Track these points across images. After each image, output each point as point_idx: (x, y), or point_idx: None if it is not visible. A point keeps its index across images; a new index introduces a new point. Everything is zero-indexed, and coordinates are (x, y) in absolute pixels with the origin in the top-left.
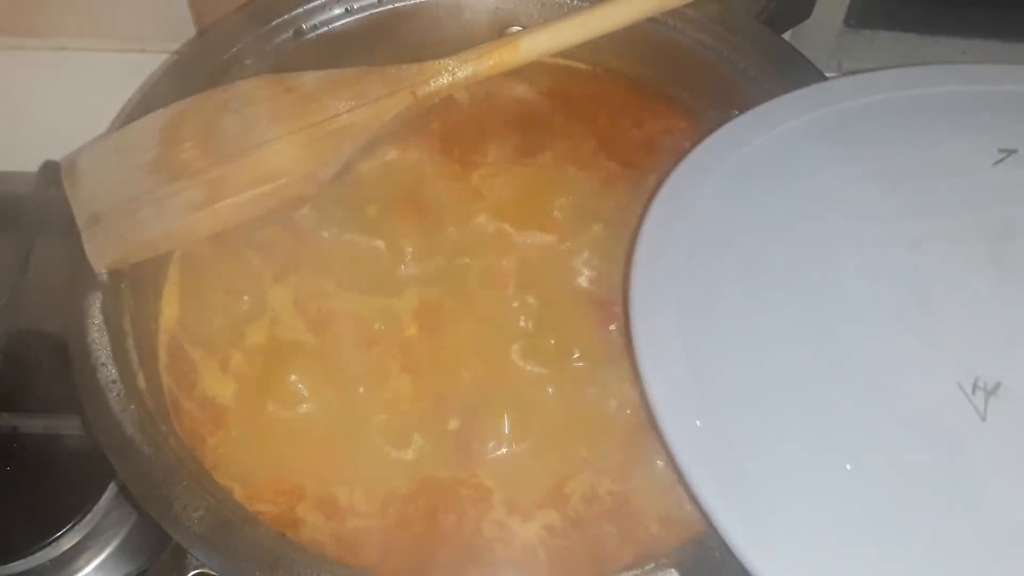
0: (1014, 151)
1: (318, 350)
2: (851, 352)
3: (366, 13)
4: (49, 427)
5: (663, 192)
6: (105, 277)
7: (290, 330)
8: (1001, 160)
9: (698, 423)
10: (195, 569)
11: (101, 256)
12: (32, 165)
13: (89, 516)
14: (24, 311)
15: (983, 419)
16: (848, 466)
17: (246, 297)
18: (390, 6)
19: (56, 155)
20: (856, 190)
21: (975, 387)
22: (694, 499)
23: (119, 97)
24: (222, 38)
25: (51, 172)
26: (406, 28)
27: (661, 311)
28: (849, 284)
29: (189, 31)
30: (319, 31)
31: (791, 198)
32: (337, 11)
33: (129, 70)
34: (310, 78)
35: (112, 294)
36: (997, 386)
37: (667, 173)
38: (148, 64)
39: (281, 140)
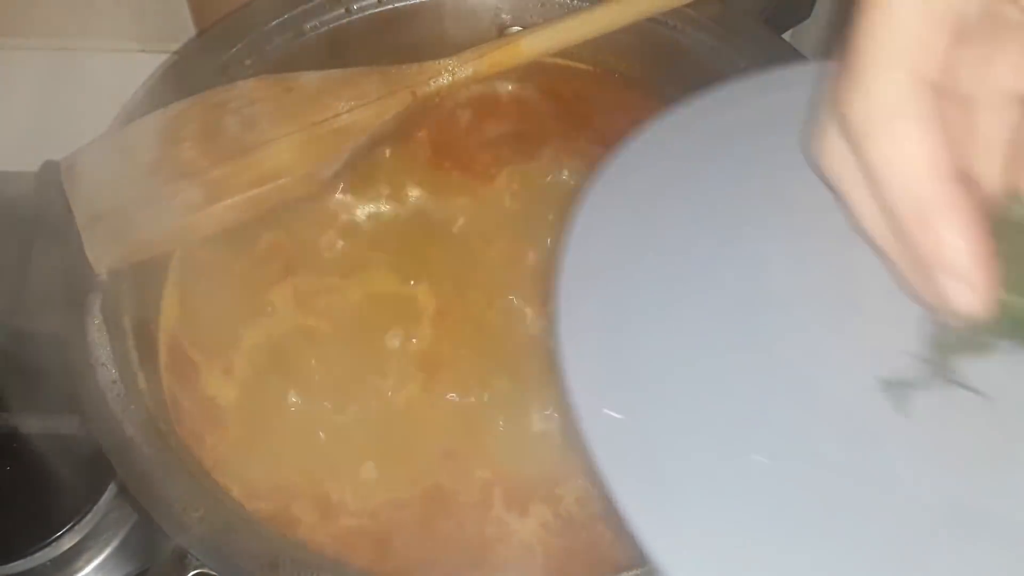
0: None
1: (320, 349)
2: (774, 346)
3: (366, 13)
4: (49, 427)
5: (600, 176)
6: (105, 277)
7: (292, 330)
8: None
9: (615, 415)
10: (195, 569)
11: (101, 256)
12: (32, 165)
13: (89, 516)
14: (24, 311)
15: (902, 413)
16: (764, 461)
17: (247, 297)
18: (390, 6)
19: (56, 155)
20: (795, 179)
21: (896, 381)
22: (606, 494)
23: (119, 97)
24: (222, 38)
25: (51, 172)
26: (406, 28)
27: (587, 300)
28: (778, 276)
29: (189, 31)
30: (319, 31)
31: (729, 187)
32: (337, 11)
33: (129, 70)
34: (310, 78)
35: (112, 294)
36: (919, 380)
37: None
38: (148, 64)
39: (281, 140)
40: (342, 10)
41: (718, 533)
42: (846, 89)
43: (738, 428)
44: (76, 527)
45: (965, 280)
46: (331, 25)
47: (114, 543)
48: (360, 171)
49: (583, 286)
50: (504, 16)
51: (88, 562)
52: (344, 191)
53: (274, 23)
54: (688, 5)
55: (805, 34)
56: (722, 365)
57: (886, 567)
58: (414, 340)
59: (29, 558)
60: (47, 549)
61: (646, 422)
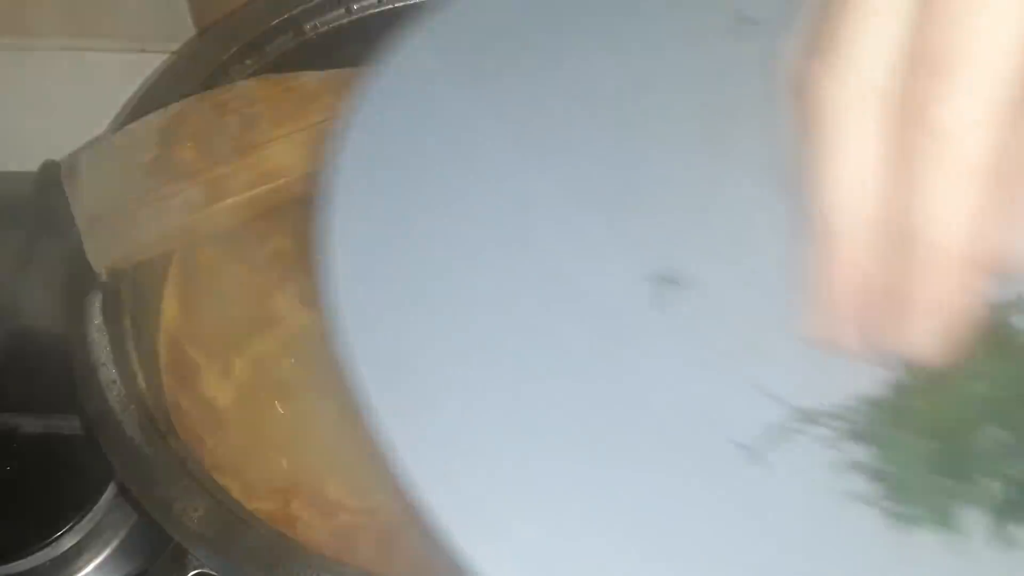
0: (754, 22)
1: (321, 347)
2: (537, 247)
3: (366, 13)
4: (49, 427)
5: (380, 72)
6: (105, 277)
7: (292, 329)
8: (737, 31)
9: (373, 316)
10: (195, 569)
11: (101, 256)
12: (32, 165)
13: (89, 516)
14: (24, 311)
15: (662, 311)
16: (517, 363)
17: (246, 297)
18: (390, 6)
19: (56, 155)
20: (577, 66)
21: (660, 279)
22: (364, 406)
23: (119, 97)
24: (222, 38)
25: (51, 172)
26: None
27: (358, 196)
28: (548, 171)
29: (189, 31)
30: (319, 31)
31: (508, 78)
32: (337, 11)
33: (129, 70)
34: (310, 78)
35: (112, 294)
36: (684, 278)
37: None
38: (148, 64)
39: (281, 140)
40: (342, 10)
41: (467, 438)
42: (938, 81)
43: (494, 332)
44: (76, 527)
45: (936, 329)
46: (331, 25)
47: (114, 543)
48: None
49: (356, 184)
50: None
51: (88, 562)
52: None
53: (274, 23)
54: None
55: None
56: (485, 267)
57: (633, 470)
58: None
59: (29, 558)
60: (47, 549)
61: (403, 325)
